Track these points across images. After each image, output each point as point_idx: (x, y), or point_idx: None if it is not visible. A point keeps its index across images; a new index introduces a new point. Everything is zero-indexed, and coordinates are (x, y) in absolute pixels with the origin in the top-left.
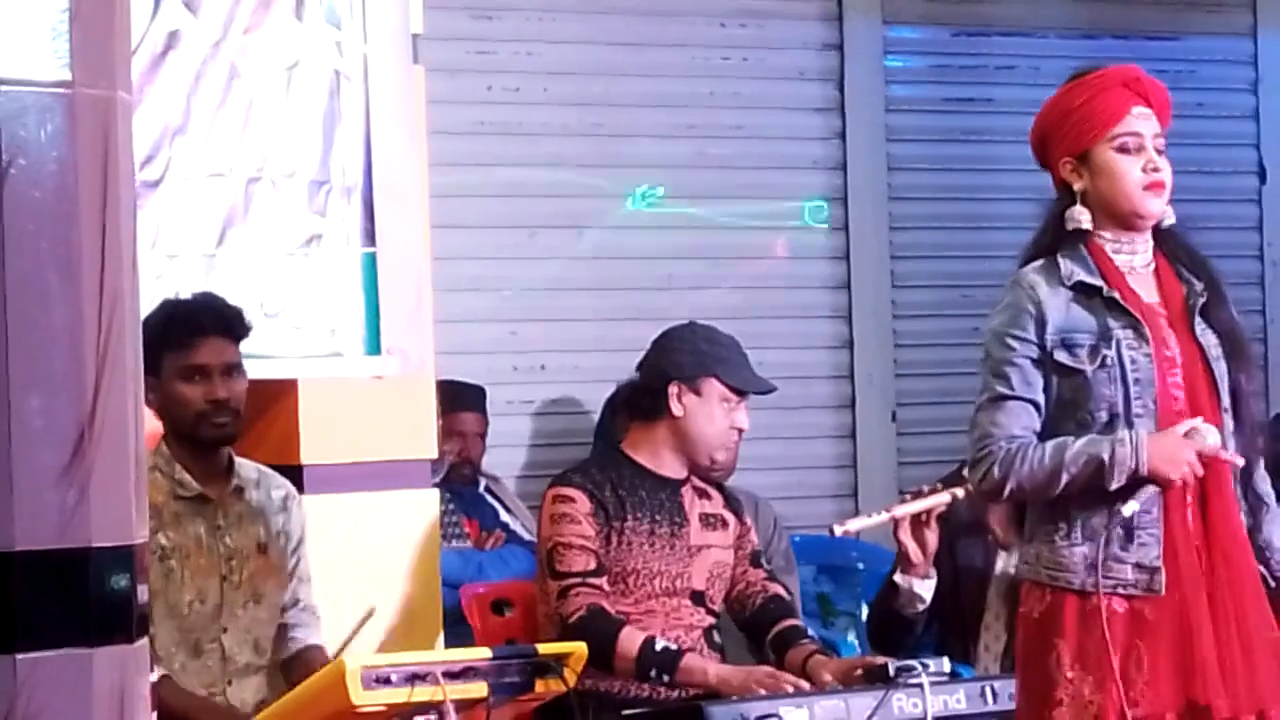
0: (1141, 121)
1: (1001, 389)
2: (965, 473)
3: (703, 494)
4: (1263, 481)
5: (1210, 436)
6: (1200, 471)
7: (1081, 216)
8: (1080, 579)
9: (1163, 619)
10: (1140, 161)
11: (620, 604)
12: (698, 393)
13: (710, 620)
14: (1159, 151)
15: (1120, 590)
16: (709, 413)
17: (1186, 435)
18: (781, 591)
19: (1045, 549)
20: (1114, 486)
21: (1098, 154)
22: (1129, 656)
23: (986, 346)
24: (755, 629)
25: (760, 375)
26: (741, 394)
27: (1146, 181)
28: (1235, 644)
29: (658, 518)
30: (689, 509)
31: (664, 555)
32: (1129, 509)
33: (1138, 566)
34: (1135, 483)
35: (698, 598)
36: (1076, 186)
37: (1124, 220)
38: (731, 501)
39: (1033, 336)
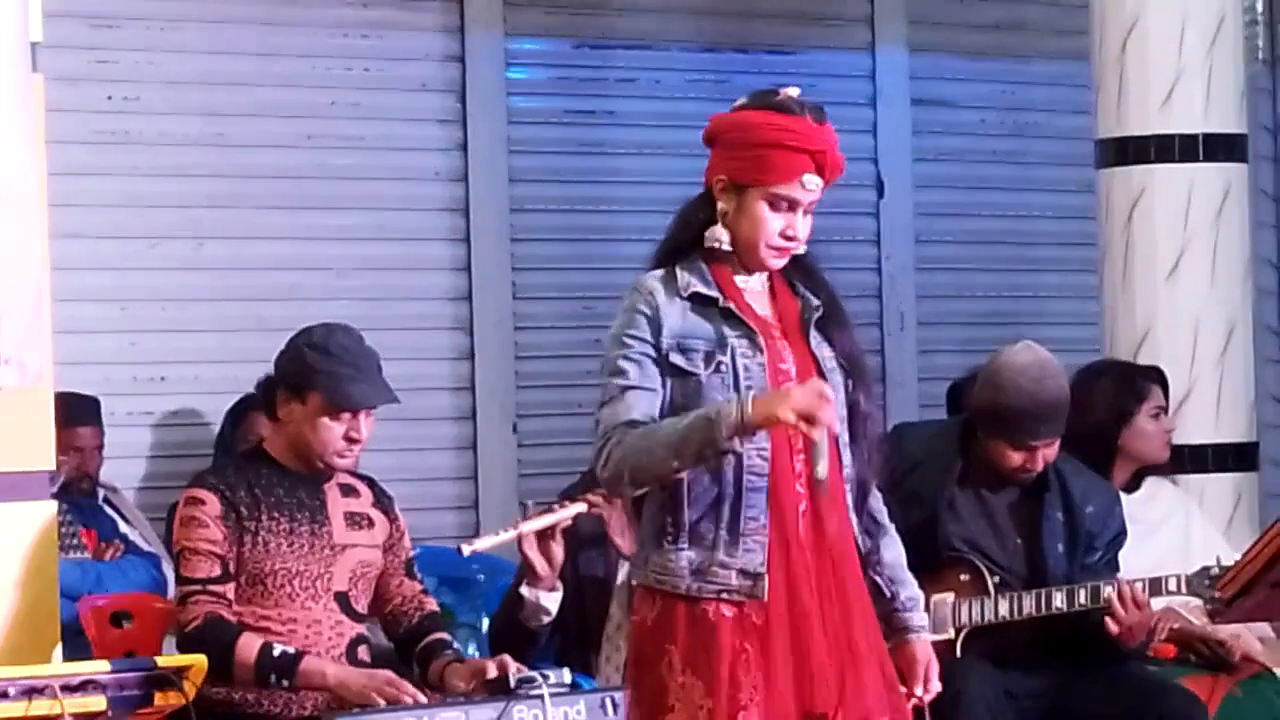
0: (804, 191)
1: (620, 383)
2: (597, 472)
3: (349, 491)
4: (878, 507)
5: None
6: (814, 418)
7: (722, 236)
8: (686, 583)
9: (771, 625)
10: (783, 223)
11: (261, 608)
12: (303, 402)
13: (357, 629)
14: (807, 212)
15: (725, 596)
16: (313, 423)
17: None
18: (436, 607)
19: (655, 554)
20: (725, 439)
21: (750, 196)
22: (738, 660)
23: (606, 351)
24: (407, 645)
25: (380, 385)
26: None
27: (778, 243)
28: (843, 653)
29: (297, 516)
30: (331, 507)
31: (303, 554)
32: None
33: (742, 572)
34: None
35: (342, 600)
36: (720, 205)
37: (742, 258)
38: (381, 499)
39: (649, 337)
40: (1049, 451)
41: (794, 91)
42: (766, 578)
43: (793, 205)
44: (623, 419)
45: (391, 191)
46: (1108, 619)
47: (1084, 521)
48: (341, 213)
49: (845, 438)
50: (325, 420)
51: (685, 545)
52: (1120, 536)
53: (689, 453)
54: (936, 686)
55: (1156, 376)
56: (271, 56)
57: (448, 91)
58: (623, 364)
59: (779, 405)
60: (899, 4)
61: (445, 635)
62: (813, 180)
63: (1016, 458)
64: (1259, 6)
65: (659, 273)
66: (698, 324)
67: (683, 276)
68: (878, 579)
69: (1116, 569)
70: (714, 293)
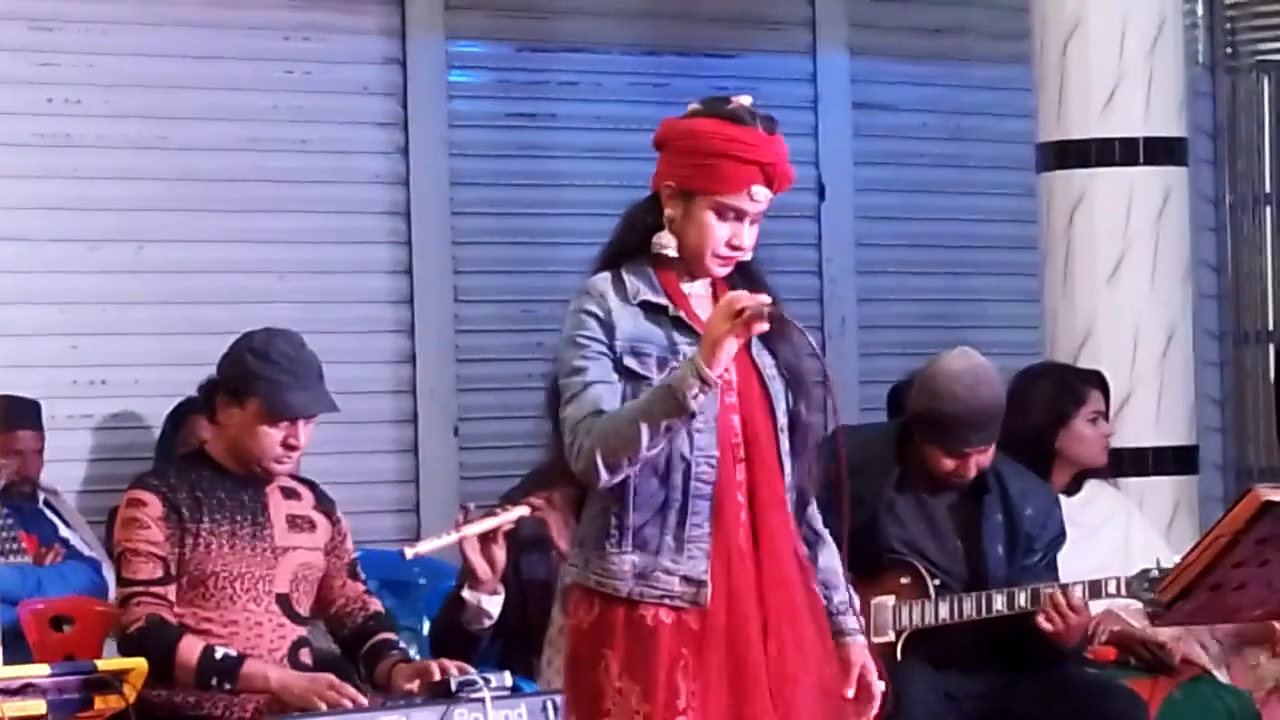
0: (752, 202)
1: (581, 380)
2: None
3: (291, 494)
4: (815, 518)
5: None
6: (743, 312)
7: (669, 243)
8: (628, 587)
9: (710, 632)
10: (729, 233)
11: (203, 610)
12: (242, 407)
13: (299, 632)
14: (754, 222)
15: (667, 601)
16: (251, 429)
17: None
18: (381, 608)
19: (596, 556)
20: (693, 398)
21: (698, 203)
22: (676, 666)
23: (559, 355)
24: (352, 645)
25: (319, 393)
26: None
27: (724, 253)
28: (781, 662)
29: (239, 518)
30: (273, 510)
31: (245, 556)
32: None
33: (685, 579)
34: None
35: (284, 602)
36: (668, 211)
37: (687, 265)
38: (323, 501)
39: (603, 338)
40: (982, 458)
41: (746, 100)
42: (709, 586)
43: (740, 215)
44: (589, 412)
45: (333, 194)
46: (1040, 617)
47: (1023, 523)
48: (283, 215)
49: (786, 447)
50: (264, 427)
51: (629, 549)
52: (1059, 538)
53: (656, 422)
54: (880, 686)
55: (1096, 380)
56: (212, 59)
57: (389, 95)
58: (580, 363)
59: (714, 332)
60: (840, 7)
61: (391, 635)
62: (761, 191)
63: (949, 463)
64: (1199, 10)
65: (607, 276)
66: (650, 330)
67: (631, 283)
68: (813, 586)
69: (1055, 571)
70: (663, 300)
